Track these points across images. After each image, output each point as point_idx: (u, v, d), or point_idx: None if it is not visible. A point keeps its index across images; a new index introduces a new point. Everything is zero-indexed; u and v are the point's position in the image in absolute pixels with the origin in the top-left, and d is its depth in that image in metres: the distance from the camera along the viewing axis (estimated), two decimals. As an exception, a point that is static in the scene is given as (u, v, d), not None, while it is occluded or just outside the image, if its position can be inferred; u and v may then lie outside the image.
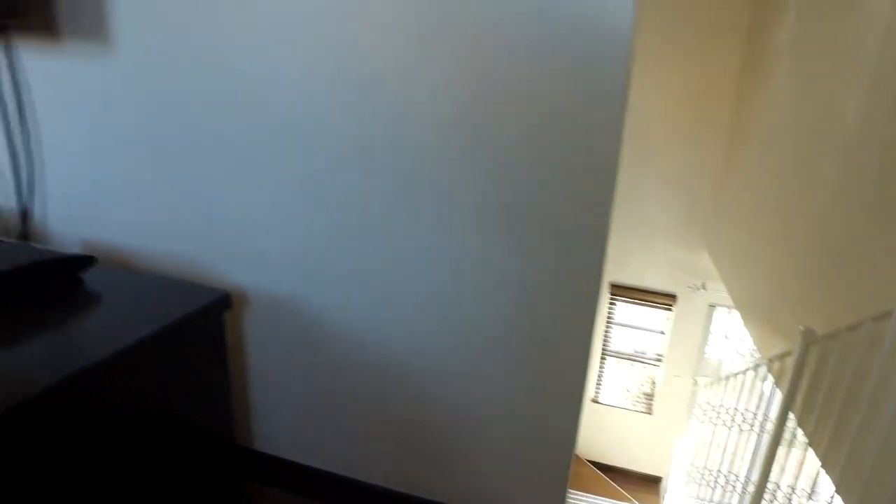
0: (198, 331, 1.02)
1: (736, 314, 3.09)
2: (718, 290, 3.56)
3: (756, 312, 2.43)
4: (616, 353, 4.38)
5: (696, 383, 3.54)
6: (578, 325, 1.01)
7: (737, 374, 2.72)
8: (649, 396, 4.42)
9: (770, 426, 2.13)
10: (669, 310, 4.02)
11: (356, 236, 1.07)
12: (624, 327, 4.30)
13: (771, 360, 2.12)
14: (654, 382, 4.41)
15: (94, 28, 1.09)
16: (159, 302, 0.99)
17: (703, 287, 3.82)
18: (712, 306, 3.94)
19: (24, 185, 1.27)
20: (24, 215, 1.30)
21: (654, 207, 3.66)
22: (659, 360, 4.27)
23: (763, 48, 2.79)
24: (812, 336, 1.66)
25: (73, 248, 1.30)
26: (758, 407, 2.45)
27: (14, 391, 0.73)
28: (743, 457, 2.56)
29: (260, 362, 1.26)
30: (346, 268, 1.10)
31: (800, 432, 1.78)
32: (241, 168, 1.09)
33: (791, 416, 1.77)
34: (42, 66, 1.16)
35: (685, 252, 3.74)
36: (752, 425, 2.46)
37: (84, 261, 1.05)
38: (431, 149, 0.98)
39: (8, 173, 1.28)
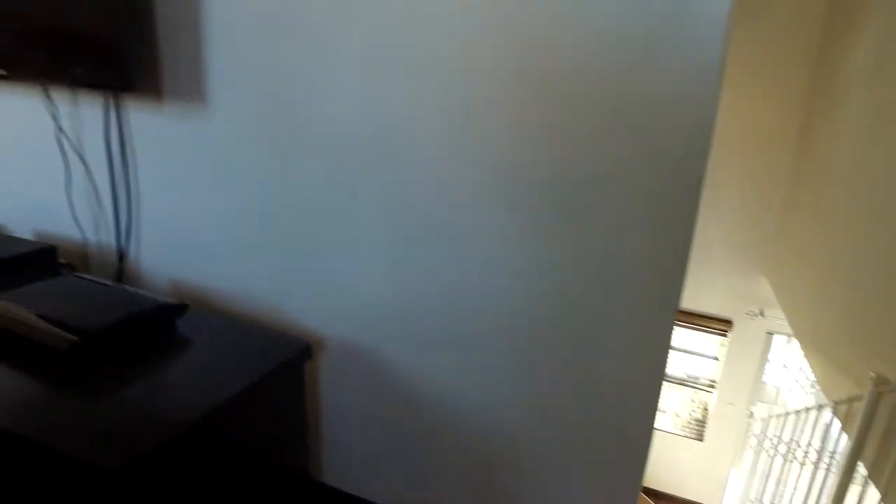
0: (282, 379, 1.08)
1: (796, 343, 2.99)
2: (777, 318, 3.44)
3: (819, 346, 2.35)
4: (668, 377, 4.28)
5: (751, 414, 3.44)
6: (649, 362, 1.02)
7: (799, 411, 2.63)
8: (701, 423, 4.30)
9: (836, 465, 2.05)
10: (724, 335, 3.92)
11: (441, 293, 1.11)
12: (677, 351, 4.21)
13: (837, 403, 2.05)
14: (705, 409, 4.30)
15: (193, 91, 1.18)
16: (248, 352, 1.07)
17: (762, 314, 3.70)
18: (770, 334, 3.82)
19: (123, 228, 1.38)
20: (121, 256, 1.41)
21: (714, 231, 3.58)
22: (712, 387, 4.16)
23: (835, 74, 2.71)
24: (885, 384, 1.60)
25: (161, 285, 1.40)
26: (822, 445, 2.37)
27: (135, 440, 0.81)
28: (803, 493, 2.47)
29: (334, 401, 1.32)
30: (428, 325, 1.15)
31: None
32: (331, 222, 1.16)
33: (860, 464, 1.71)
34: (145, 122, 1.27)
35: (743, 277, 3.64)
36: (815, 463, 2.38)
37: (179, 309, 1.14)
38: (527, 216, 1.01)
39: (110, 217, 1.39)
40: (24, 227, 1.59)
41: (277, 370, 1.03)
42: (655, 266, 0.96)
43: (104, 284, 1.19)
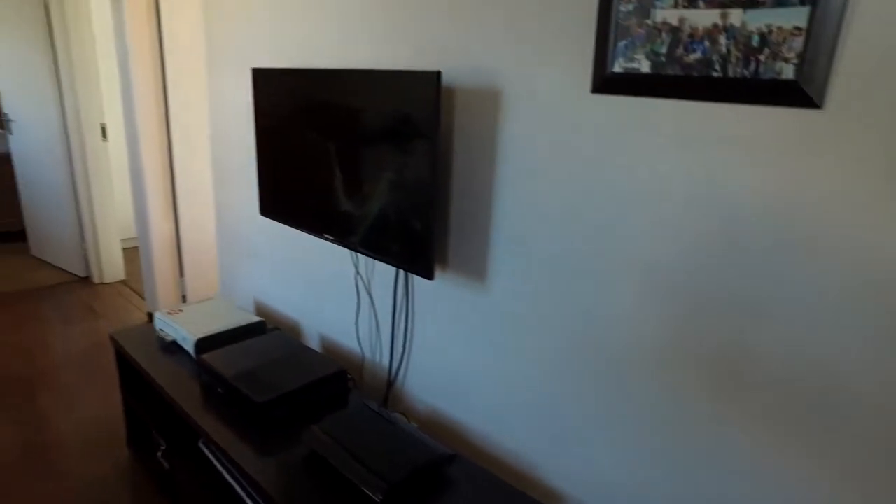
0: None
1: None
2: None
3: None
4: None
5: None
6: None
7: None
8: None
9: None
10: None
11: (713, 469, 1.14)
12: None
13: None
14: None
15: (475, 271, 1.38)
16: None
17: None
18: None
19: (396, 358, 1.64)
20: (390, 384, 1.67)
21: None
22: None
23: None
24: None
25: (420, 411, 1.62)
26: None
27: None
28: None
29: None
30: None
31: None
32: (601, 384, 1.25)
33: None
34: (428, 283, 1.51)
35: None
36: None
37: (450, 458, 1.32)
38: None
39: (385, 346, 1.67)
40: (314, 329, 1.97)
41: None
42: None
43: (389, 421, 1.43)
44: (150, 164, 2.82)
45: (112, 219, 3.66)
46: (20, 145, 3.86)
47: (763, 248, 0.97)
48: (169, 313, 1.92)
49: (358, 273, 1.70)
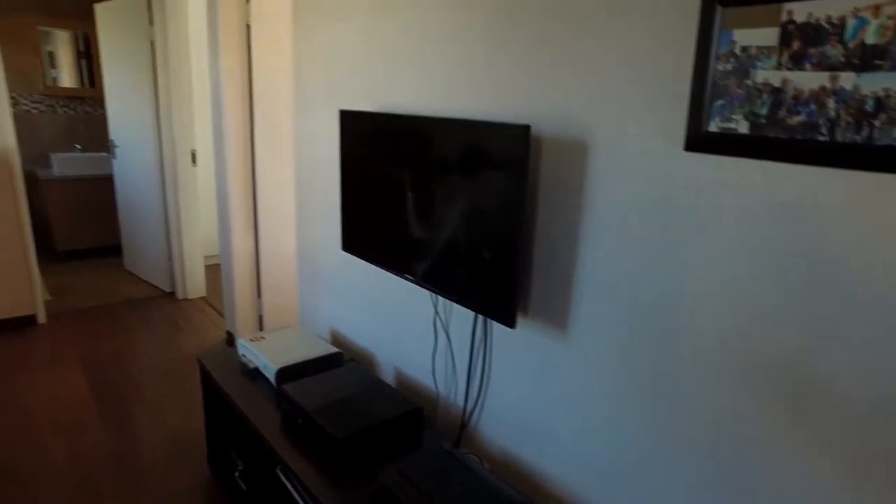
0: None
1: None
2: None
3: None
4: None
5: None
6: None
7: None
8: None
9: None
10: None
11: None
12: None
13: None
14: None
15: (557, 319, 1.38)
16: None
17: None
18: None
19: (471, 400, 1.65)
20: (463, 424, 1.68)
21: None
22: None
23: None
24: None
25: (494, 453, 1.62)
26: None
27: None
28: None
29: None
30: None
31: None
32: (692, 449, 1.22)
33: None
34: (507, 329, 1.52)
35: None
36: None
37: (525, 509, 1.31)
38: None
39: (461, 386, 1.68)
40: (389, 362, 2.02)
41: None
42: None
43: (464, 464, 1.44)
44: (235, 190, 3.00)
45: (197, 238, 3.90)
46: (121, 168, 4.20)
47: (861, 315, 0.91)
48: (251, 340, 2.02)
49: (437, 313, 1.73)
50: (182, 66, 3.60)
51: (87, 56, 4.81)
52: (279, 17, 2.89)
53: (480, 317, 1.58)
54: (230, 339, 3.26)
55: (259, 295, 3.20)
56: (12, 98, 4.58)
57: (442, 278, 1.51)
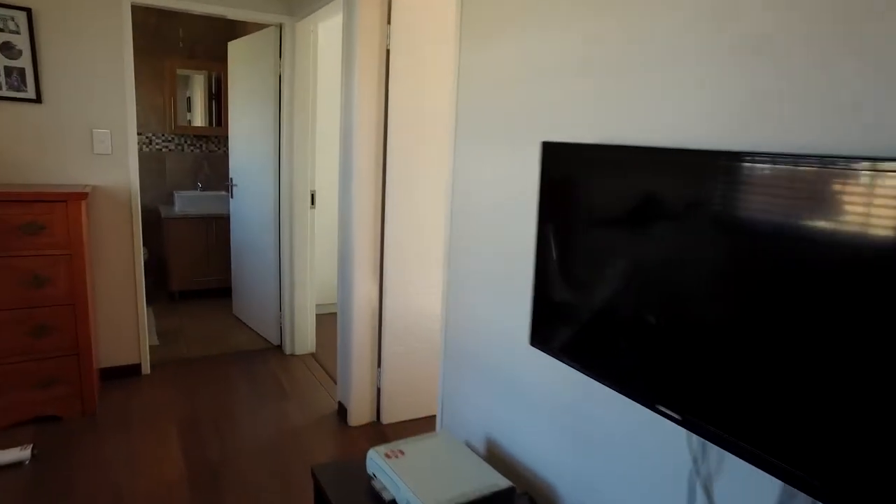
0: None
1: None
2: None
3: None
4: None
5: None
6: None
7: None
8: None
9: None
10: None
11: None
12: None
13: None
14: None
15: None
16: None
17: None
18: None
19: None
20: None
21: None
22: None
23: None
24: None
25: None
26: None
27: None
28: None
29: None
30: None
31: None
32: None
33: None
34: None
35: None
36: None
37: None
38: None
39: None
40: (576, 510, 1.37)
41: None
42: None
43: None
44: (361, 238, 2.55)
45: (309, 288, 3.53)
46: (238, 208, 3.98)
47: None
48: (387, 455, 1.47)
49: (696, 467, 1.07)
50: (307, 101, 3.31)
51: (217, 97, 4.78)
52: (427, 38, 2.47)
53: (788, 488, 0.90)
54: (342, 412, 2.76)
55: (379, 363, 2.69)
56: (147, 137, 4.60)
57: (747, 424, 0.86)
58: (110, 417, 2.64)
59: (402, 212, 2.55)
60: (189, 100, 4.70)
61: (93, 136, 2.79)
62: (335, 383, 3.10)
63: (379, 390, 2.71)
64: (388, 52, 2.44)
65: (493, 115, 1.64)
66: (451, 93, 1.87)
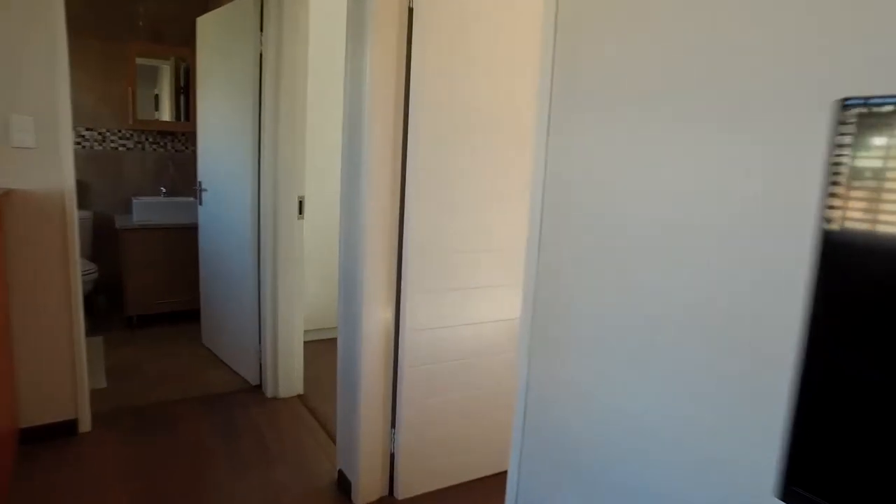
0: None
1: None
2: None
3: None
4: None
5: None
6: None
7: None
8: None
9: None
10: None
11: None
12: None
13: None
14: None
15: None
16: None
17: None
18: None
19: None
20: None
21: None
22: None
23: None
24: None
25: None
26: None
27: None
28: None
29: None
30: None
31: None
32: None
33: None
34: None
35: None
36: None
37: None
38: None
39: None
40: None
41: None
42: None
43: None
44: (372, 253, 1.92)
45: (298, 314, 2.87)
46: (208, 217, 3.31)
47: None
48: None
49: None
50: (296, 85, 2.67)
51: (187, 89, 4.10)
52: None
53: None
54: (343, 484, 2.12)
55: (393, 422, 2.06)
56: (99, 134, 3.89)
57: None
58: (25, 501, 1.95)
59: (430, 219, 1.93)
60: (156, 93, 4.01)
61: (9, 124, 2.11)
62: (332, 440, 2.45)
63: (393, 456, 2.08)
64: (410, 10, 1.83)
65: (661, 63, 0.99)
66: (545, 31, 1.23)
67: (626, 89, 1.05)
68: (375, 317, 1.98)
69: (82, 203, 3.74)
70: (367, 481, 2.06)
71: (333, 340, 3.65)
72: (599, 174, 1.12)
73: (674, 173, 0.97)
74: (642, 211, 1.03)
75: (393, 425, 2.05)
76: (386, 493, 2.11)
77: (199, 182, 3.34)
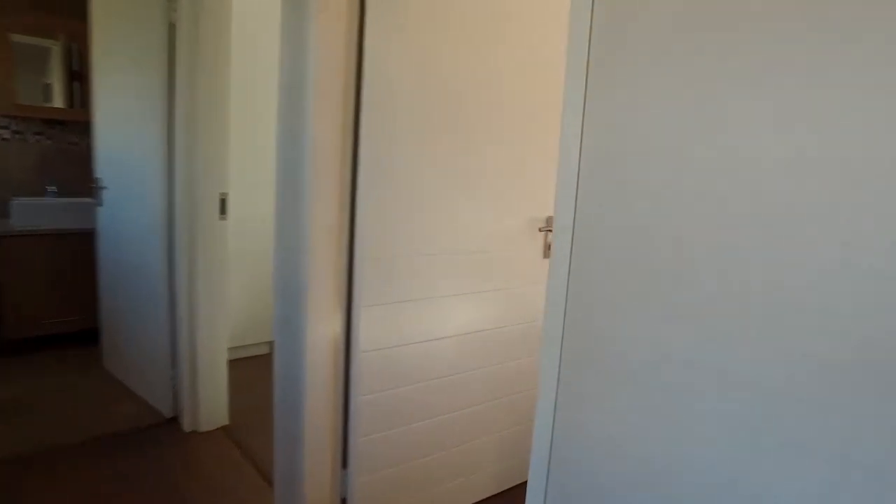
0: None
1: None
2: None
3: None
4: None
5: None
6: None
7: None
8: None
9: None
10: None
11: None
12: None
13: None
14: None
15: None
16: None
17: None
18: None
19: None
20: None
21: None
22: None
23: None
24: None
25: None
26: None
27: None
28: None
29: None
30: None
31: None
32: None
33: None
34: None
35: None
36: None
37: None
38: None
39: None
40: None
41: None
42: None
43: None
44: (315, 259, 1.59)
45: (220, 330, 2.45)
46: (109, 220, 2.80)
47: None
48: None
49: None
50: (219, 62, 2.27)
51: (81, 74, 3.51)
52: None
53: None
54: (283, 539, 1.75)
55: (345, 463, 1.72)
56: (-35, 119, 3.24)
57: None
58: None
59: (389, 216, 1.62)
60: (46, 83, 3.40)
61: None
62: (268, 482, 2.07)
63: (345, 502, 1.74)
64: (360, -34, 1.52)
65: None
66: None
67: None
68: (322, 334, 1.64)
69: (-55, 204, 3.09)
70: (315, 534, 1.71)
71: (262, 358, 3.23)
72: (694, 139, 0.79)
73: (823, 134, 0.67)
74: (777, 188, 0.71)
75: (344, 465, 1.72)
76: (337, 545, 1.77)
77: (98, 179, 2.82)
